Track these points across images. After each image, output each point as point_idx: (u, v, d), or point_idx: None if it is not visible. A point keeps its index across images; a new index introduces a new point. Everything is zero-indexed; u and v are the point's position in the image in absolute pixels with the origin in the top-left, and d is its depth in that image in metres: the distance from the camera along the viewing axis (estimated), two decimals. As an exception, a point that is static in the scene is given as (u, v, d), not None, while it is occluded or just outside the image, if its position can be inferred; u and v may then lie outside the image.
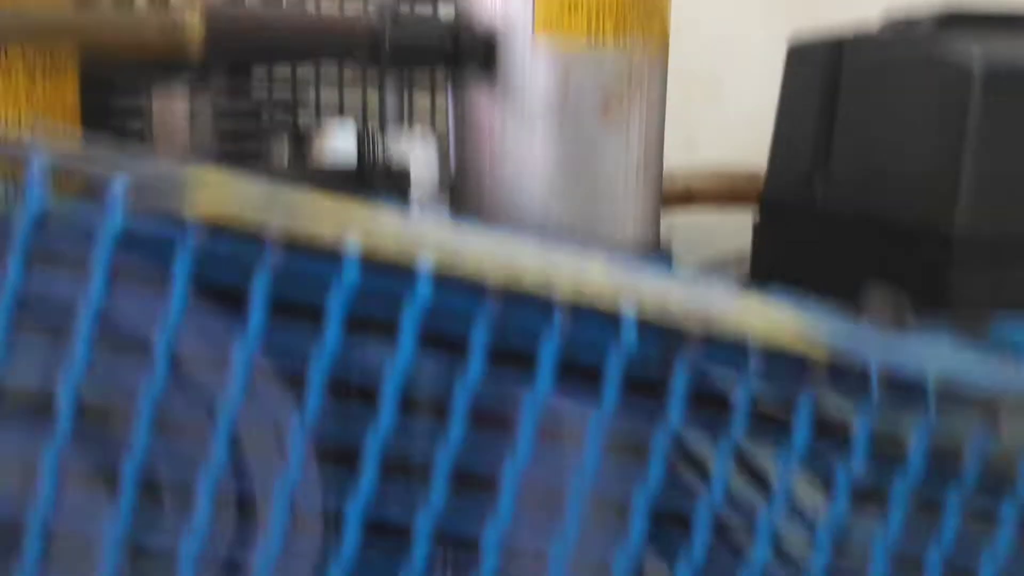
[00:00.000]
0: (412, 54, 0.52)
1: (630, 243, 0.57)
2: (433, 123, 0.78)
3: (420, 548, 0.41)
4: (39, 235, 0.39)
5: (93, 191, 0.39)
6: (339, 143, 0.67)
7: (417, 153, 0.70)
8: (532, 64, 0.55)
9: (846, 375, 0.44)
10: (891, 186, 0.82)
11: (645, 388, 0.42)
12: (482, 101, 0.57)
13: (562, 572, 0.42)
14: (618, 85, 0.55)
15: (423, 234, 0.42)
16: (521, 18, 0.54)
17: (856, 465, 0.44)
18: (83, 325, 0.39)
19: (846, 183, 0.87)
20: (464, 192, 0.59)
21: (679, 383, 0.42)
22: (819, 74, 0.90)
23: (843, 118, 0.89)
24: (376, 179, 0.69)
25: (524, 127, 0.55)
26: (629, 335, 0.41)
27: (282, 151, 0.65)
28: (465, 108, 0.58)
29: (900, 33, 0.83)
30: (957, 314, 0.67)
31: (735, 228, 1.03)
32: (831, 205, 0.88)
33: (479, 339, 0.40)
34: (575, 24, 0.54)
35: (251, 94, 0.63)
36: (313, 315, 0.40)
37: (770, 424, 0.45)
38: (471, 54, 0.53)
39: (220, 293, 0.42)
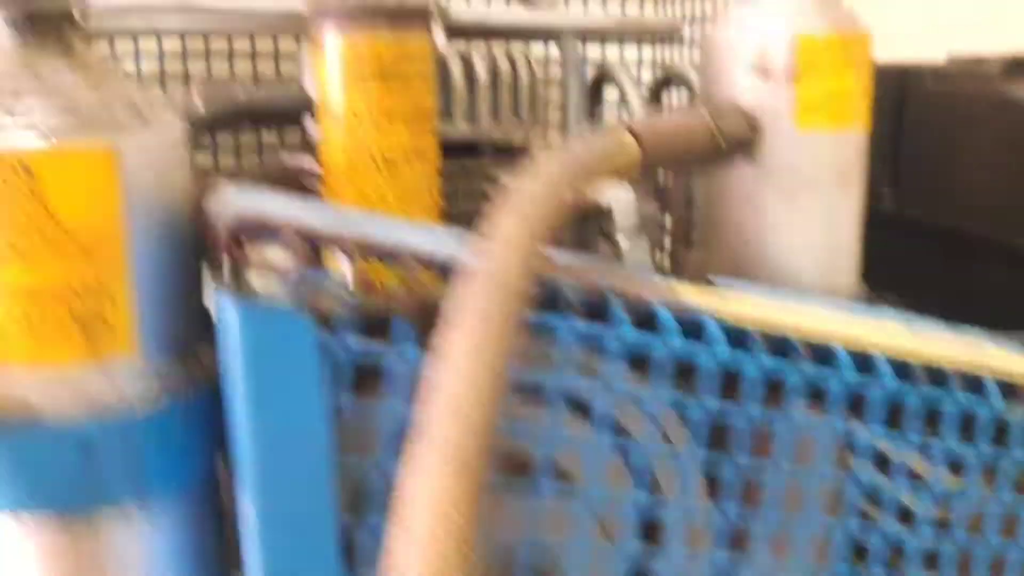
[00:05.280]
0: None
1: (854, 290, 0.69)
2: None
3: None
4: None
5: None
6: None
7: (618, 195, 0.80)
8: (791, 147, 0.66)
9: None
10: (963, 203, 0.96)
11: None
12: (737, 176, 0.68)
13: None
14: (855, 159, 0.67)
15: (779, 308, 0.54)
16: (783, 110, 0.66)
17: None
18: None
19: (915, 196, 1.01)
20: (715, 251, 0.71)
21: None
22: (887, 96, 1.04)
23: (910, 139, 1.02)
24: (587, 217, 0.80)
25: (779, 198, 0.67)
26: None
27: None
28: (718, 179, 0.69)
29: (968, 70, 0.97)
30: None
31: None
32: (903, 218, 1.02)
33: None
34: (828, 113, 0.65)
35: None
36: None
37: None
38: (740, 142, 0.64)
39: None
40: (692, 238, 0.94)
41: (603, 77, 1.00)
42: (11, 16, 0.50)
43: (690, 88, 0.90)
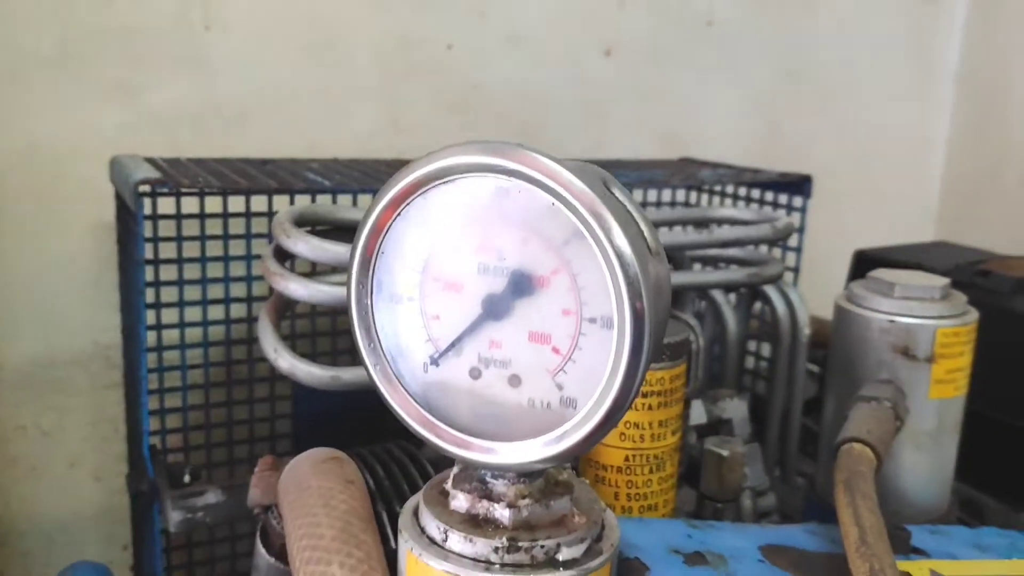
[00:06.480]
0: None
1: (949, 507, 0.89)
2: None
3: None
4: None
5: None
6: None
7: (733, 405, 0.95)
8: (921, 411, 0.85)
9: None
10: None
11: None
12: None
13: None
14: (960, 414, 0.87)
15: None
16: (920, 384, 0.84)
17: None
18: None
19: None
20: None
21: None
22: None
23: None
24: (707, 429, 0.94)
25: (909, 446, 0.85)
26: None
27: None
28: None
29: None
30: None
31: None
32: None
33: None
34: (952, 386, 0.84)
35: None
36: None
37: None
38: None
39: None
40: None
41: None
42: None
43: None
